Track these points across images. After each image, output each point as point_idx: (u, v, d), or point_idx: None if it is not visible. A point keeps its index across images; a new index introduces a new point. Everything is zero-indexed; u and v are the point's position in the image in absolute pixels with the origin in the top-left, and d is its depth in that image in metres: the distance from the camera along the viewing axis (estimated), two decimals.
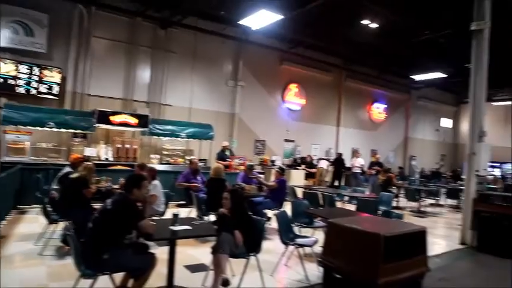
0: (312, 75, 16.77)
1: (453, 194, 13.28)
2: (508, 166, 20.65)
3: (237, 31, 13.58)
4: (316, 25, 12.93)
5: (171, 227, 3.77)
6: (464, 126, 22.69)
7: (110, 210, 3.43)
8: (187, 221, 4.24)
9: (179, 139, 11.88)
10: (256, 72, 15.13)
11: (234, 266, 4.62)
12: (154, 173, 6.27)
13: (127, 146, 10.94)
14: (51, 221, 5.39)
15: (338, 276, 3.17)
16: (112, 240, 3.35)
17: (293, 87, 16.37)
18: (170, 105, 12.96)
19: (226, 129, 14.28)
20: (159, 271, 3.80)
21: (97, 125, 10.26)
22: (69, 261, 3.45)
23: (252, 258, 4.30)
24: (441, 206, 13.28)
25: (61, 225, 5.18)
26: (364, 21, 12.17)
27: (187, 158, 11.12)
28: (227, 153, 11.79)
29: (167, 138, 11.83)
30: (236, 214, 4.54)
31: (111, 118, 10.45)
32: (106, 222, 3.38)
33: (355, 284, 3.06)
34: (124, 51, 12.15)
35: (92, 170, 5.83)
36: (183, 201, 8.50)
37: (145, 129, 11.10)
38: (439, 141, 23.92)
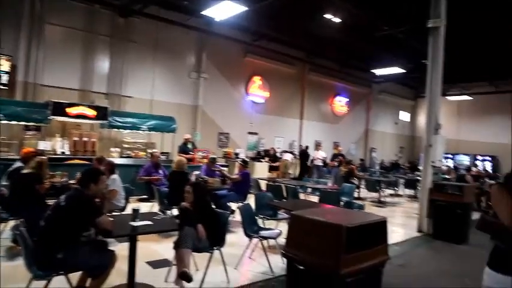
0: (276, 68, 16.82)
1: (411, 184, 13.83)
2: (460, 157, 21.81)
3: (200, 22, 13.32)
4: (279, 18, 12.95)
5: (132, 223, 3.64)
6: (421, 119, 23.68)
7: (64, 206, 3.25)
8: (148, 215, 4.12)
9: (140, 132, 11.55)
10: (220, 64, 14.96)
11: (197, 261, 4.56)
12: (112, 167, 6.04)
13: (85, 139, 10.49)
14: (1, 220, 5.07)
15: (301, 267, 3.18)
16: (66, 238, 3.18)
17: (257, 80, 16.35)
18: (131, 97, 12.55)
19: (189, 122, 14.06)
20: (120, 268, 3.67)
21: (52, 117, 9.74)
22: (20, 262, 3.24)
23: (216, 252, 4.25)
24: (400, 196, 13.81)
25: (11, 224, 4.89)
26: (327, 15, 12.31)
27: (149, 151, 10.84)
28: (189, 146, 11.60)
29: (128, 131, 11.47)
30: (199, 208, 4.47)
31: (68, 110, 9.96)
32: (59, 220, 3.19)
33: (318, 275, 3.08)
34: (81, 39, 11.59)
35: (45, 164, 5.54)
36: (145, 195, 8.29)
37: (105, 121, 10.69)
38: (398, 133, 24.81)
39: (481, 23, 11.54)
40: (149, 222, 3.77)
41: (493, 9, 10.54)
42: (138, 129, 11.34)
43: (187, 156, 10.34)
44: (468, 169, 14.13)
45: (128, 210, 5.34)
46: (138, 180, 8.04)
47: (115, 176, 5.93)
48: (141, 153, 11.47)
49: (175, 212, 6.02)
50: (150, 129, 11.56)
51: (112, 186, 5.73)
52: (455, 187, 7.85)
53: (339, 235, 2.95)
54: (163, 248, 5.36)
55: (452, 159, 21.33)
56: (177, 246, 3.91)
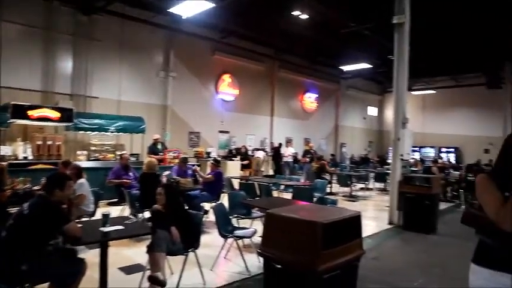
0: (245, 65, 16.77)
1: (380, 177, 14.16)
2: (426, 150, 22.56)
3: (167, 19, 13.07)
4: (247, 15, 12.90)
5: (102, 228, 3.50)
6: (389, 113, 24.31)
7: (27, 214, 3.07)
8: (119, 220, 3.98)
9: (108, 133, 11.23)
10: (189, 62, 14.75)
11: (172, 264, 4.46)
12: (79, 171, 5.81)
13: (49, 142, 10.05)
14: None
15: (278, 266, 3.16)
16: (31, 248, 3.01)
17: (226, 78, 16.24)
18: (97, 97, 12.15)
19: (159, 122, 13.79)
20: (91, 276, 3.53)
21: (12, 120, 9.30)
22: None
23: (191, 254, 4.18)
24: (370, 189, 14.12)
25: None
26: (295, 12, 12.36)
27: (118, 153, 10.55)
28: (159, 146, 11.38)
29: (95, 132, 11.12)
30: (171, 209, 4.38)
31: (29, 113, 9.51)
32: (23, 229, 3.02)
33: (296, 272, 3.07)
34: (41, 38, 11.08)
35: (5, 170, 5.26)
36: (115, 199, 8.05)
37: (70, 123, 10.29)
38: (367, 128, 25.35)
39: (442, 19, 11.93)
40: (120, 227, 3.64)
41: (453, 5, 10.90)
42: (105, 130, 11.02)
43: (158, 157, 10.13)
44: (434, 161, 14.60)
45: (98, 215, 5.16)
46: (108, 184, 7.80)
47: (82, 180, 5.71)
48: (110, 156, 11.16)
49: (147, 215, 5.87)
50: (118, 130, 11.25)
51: (80, 191, 5.52)
52: (423, 179, 8.09)
53: (315, 232, 2.95)
54: (136, 252, 5.21)
55: (418, 152, 22.01)
56: (151, 250, 3.80)
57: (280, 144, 16.16)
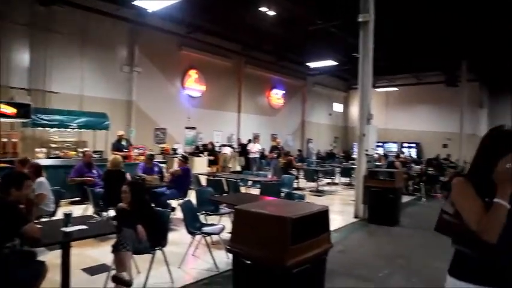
0: (212, 61, 16.61)
1: (346, 172, 14.47)
2: (389, 145, 23.28)
3: (131, 13, 12.70)
4: (214, 10, 12.77)
5: (63, 228, 3.35)
6: (353, 110, 24.89)
7: None
8: (82, 219, 3.84)
9: (69, 130, 10.80)
10: (154, 57, 14.42)
11: (139, 263, 4.36)
12: (38, 169, 5.55)
13: (4, 139, 9.57)
14: None
15: (247, 262, 3.15)
16: None
17: (193, 74, 16.03)
18: (57, 92, 11.63)
19: (123, 118, 13.42)
20: (52, 279, 3.39)
21: None
22: None
23: (158, 252, 4.09)
24: (336, 184, 14.40)
25: None
26: (262, 8, 12.35)
27: (80, 150, 10.18)
28: (124, 143, 11.07)
29: (55, 129, 10.66)
30: (137, 207, 4.27)
31: None
32: None
33: (265, 268, 3.07)
34: None
35: None
36: (77, 197, 7.77)
37: (27, 120, 9.82)
38: (333, 124, 25.83)
39: (404, 18, 12.29)
40: (84, 227, 3.51)
41: (415, 5, 11.25)
42: (66, 127, 10.60)
43: (122, 153, 9.87)
44: (397, 156, 15.09)
45: (59, 215, 4.95)
46: (69, 182, 7.52)
47: (42, 179, 5.46)
48: (72, 153, 10.74)
49: (112, 213, 5.70)
50: (81, 126, 10.86)
51: (39, 190, 5.27)
52: (387, 173, 8.33)
53: (284, 227, 2.95)
54: (100, 252, 5.04)
55: (382, 147, 22.67)
56: (116, 249, 3.69)
57: (250, 141, 16.17)
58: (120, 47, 13.53)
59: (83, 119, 10.88)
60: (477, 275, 1.77)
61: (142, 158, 10.14)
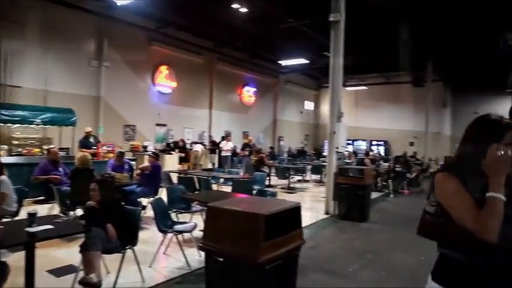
0: (183, 57, 16.39)
1: (317, 169, 14.66)
2: (358, 143, 23.80)
3: (100, 6, 12.34)
4: (186, 5, 12.60)
5: (28, 229, 3.21)
6: (324, 108, 25.25)
7: None
8: (48, 219, 3.69)
9: (33, 126, 10.38)
10: (124, 52, 14.07)
11: (108, 263, 4.25)
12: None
13: None
14: None
15: (220, 259, 3.13)
16: None
17: (163, 69, 15.77)
18: (19, 87, 11.13)
19: (91, 114, 13.03)
20: (15, 282, 3.25)
21: None
22: None
23: (128, 252, 4.00)
24: (307, 181, 14.57)
25: None
26: (234, 5, 12.30)
27: (45, 147, 9.79)
28: (92, 140, 10.77)
29: (17, 125, 10.22)
30: (106, 206, 4.16)
31: None
32: None
33: (238, 265, 3.06)
34: None
35: None
36: (42, 196, 7.48)
37: None
38: (304, 122, 26.11)
39: (373, 18, 12.56)
40: (49, 226, 3.37)
41: (383, 6, 11.51)
42: (30, 123, 10.18)
43: (90, 151, 9.60)
44: (366, 153, 15.43)
45: (22, 215, 4.75)
46: (34, 181, 7.21)
47: (3, 177, 5.21)
48: (36, 150, 10.34)
49: (79, 212, 5.53)
50: (45, 122, 10.45)
51: (0, 189, 5.03)
52: (357, 171, 8.51)
53: (257, 224, 2.95)
54: (67, 253, 4.87)
55: (352, 144, 23.14)
56: (84, 249, 3.58)
57: (223, 138, 16.10)
58: (88, 40, 13.12)
59: (47, 115, 10.47)
60: (469, 282, 1.57)
61: (111, 155, 9.88)
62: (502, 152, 1.47)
